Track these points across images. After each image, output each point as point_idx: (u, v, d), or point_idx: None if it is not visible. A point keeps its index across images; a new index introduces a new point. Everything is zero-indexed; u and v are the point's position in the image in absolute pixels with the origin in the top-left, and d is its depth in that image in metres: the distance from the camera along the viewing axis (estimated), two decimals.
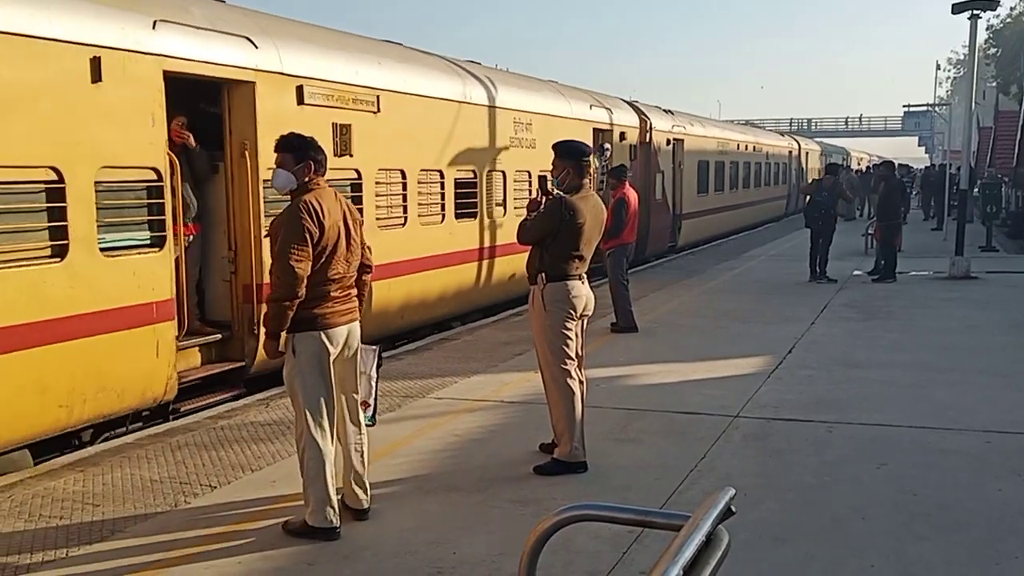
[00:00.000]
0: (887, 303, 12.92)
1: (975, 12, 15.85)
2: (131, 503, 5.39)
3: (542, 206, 5.92)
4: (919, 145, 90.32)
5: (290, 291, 4.63)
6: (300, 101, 8.57)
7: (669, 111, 20.82)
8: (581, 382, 5.99)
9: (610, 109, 16.76)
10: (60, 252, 6.31)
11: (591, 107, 15.76)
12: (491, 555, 4.59)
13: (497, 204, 12.44)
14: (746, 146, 27.24)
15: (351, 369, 5.07)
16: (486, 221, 12.18)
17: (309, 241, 4.66)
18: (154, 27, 7.04)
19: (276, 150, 4.94)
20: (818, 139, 52.49)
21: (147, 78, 6.96)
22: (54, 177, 6.27)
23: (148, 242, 7.10)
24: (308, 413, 4.79)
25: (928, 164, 49.10)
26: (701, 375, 8.49)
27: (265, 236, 7.58)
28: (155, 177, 7.11)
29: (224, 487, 5.66)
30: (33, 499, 5.46)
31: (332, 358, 4.86)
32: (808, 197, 16.41)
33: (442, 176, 11.14)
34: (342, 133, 9.18)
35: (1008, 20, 44.40)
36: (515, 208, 12.41)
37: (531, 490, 5.53)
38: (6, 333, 5.92)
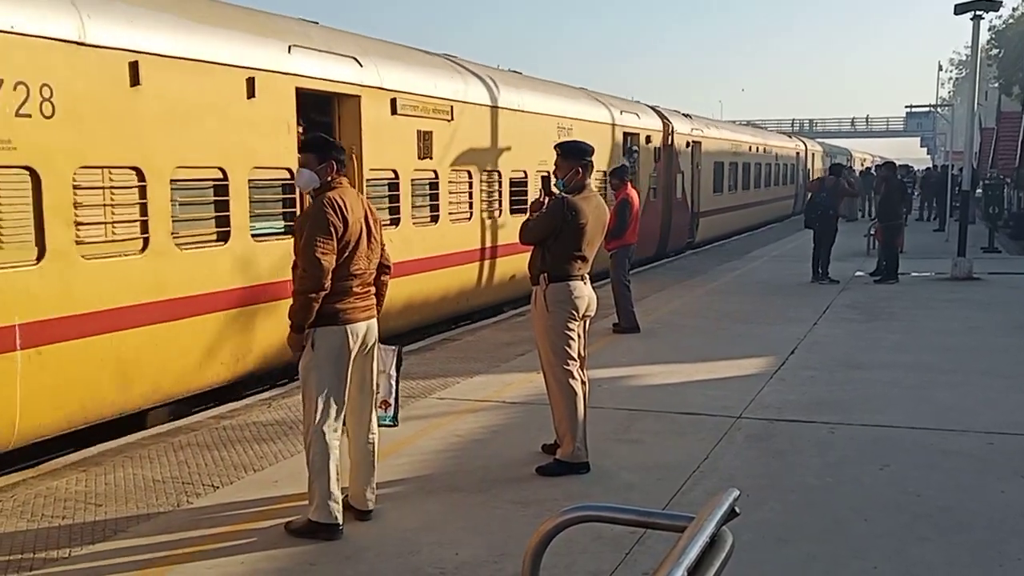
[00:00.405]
0: (889, 304, 12.92)
1: (978, 13, 15.84)
2: (134, 503, 5.40)
3: (544, 206, 5.93)
4: (921, 146, 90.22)
5: (316, 283, 4.69)
6: (393, 111, 9.97)
7: (688, 115, 21.97)
8: (583, 383, 5.99)
9: (637, 114, 17.92)
10: (224, 237, 7.72)
11: (621, 112, 17.01)
12: (493, 556, 4.59)
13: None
14: (757, 148, 28.43)
15: (367, 367, 5.08)
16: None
17: (334, 235, 4.75)
18: (289, 51, 8.51)
19: (300, 151, 5.08)
20: (819, 140, 52.49)
21: (285, 94, 8.42)
22: (220, 176, 7.69)
23: (282, 230, 8.31)
24: (319, 407, 4.82)
25: (929, 165, 49.08)
26: (703, 376, 8.49)
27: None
28: (288, 176, 8.27)
29: (227, 487, 5.67)
30: (36, 499, 5.47)
31: (352, 355, 4.90)
32: (809, 196, 16.43)
33: (500, 176, 12.53)
34: (424, 139, 10.56)
35: (1010, 21, 44.35)
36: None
37: (533, 491, 5.53)
38: (188, 302, 7.30)
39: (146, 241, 6.97)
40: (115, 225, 6.76)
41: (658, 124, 18.95)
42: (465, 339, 10.73)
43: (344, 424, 5.01)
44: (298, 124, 8.63)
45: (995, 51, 43.42)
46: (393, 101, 9.90)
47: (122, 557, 4.63)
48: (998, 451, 6.21)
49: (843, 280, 15.43)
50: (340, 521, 4.87)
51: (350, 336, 4.86)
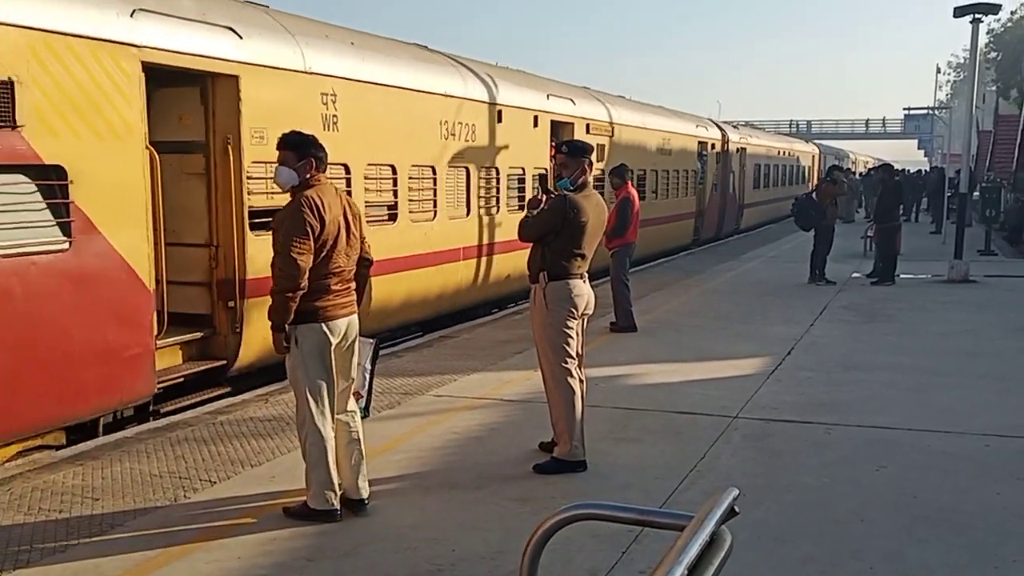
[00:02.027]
0: (886, 306, 12.94)
1: (977, 16, 15.85)
2: (131, 497, 5.39)
3: (543, 204, 5.93)
4: (919, 148, 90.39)
5: (292, 283, 4.73)
6: (587, 131, 15.07)
7: (735, 126, 28.44)
8: (581, 381, 6.00)
9: (706, 127, 23.60)
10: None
11: (696, 126, 22.72)
12: (490, 552, 4.59)
13: (657, 189, 19.51)
14: (785, 152, 34.67)
15: (348, 360, 5.17)
16: (653, 199, 19.14)
17: (311, 235, 4.77)
18: (548, 99, 14.02)
19: (278, 148, 5.01)
20: (816, 141, 52.77)
21: (546, 124, 13.72)
22: (521, 173, 12.97)
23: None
24: (310, 401, 4.91)
25: (918, 168, 49.26)
26: (700, 375, 8.50)
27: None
28: (545, 172, 12.27)
29: (224, 482, 5.66)
30: (32, 492, 5.46)
31: (332, 348, 4.97)
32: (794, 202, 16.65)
33: (638, 173, 17.55)
34: (597, 152, 14.05)
35: (1009, 24, 44.45)
36: (665, 194, 20.04)
37: (530, 488, 5.53)
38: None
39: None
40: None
41: (717, 134, 24.23)
42: (463, 336, 10.72)
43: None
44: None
45: (993, 54, 43.52)
46: (588, 127, 15.43)
47: (119, 551, 4.62)
48: (994, 453, 6.22)
49: (840, 281, 15.45)
50: (337, 506, 4.98)
51: (330, 333, 4.93)
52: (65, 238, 6.27)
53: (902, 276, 15.74)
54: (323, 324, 4.89)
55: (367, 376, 5.35)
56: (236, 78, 7.75)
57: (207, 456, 6.17)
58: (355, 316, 5.13)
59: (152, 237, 7.01)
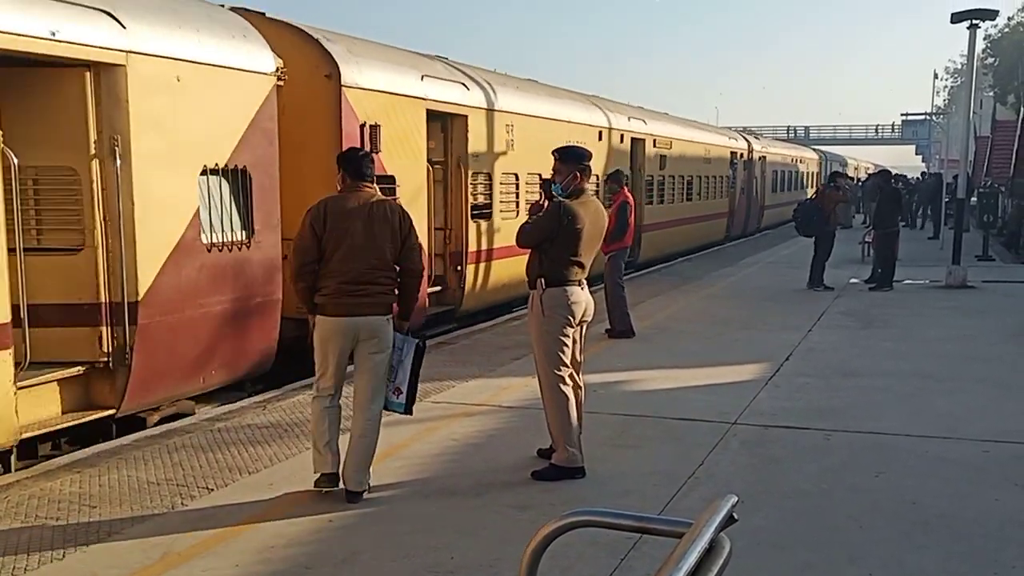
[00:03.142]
0: (884, 311, 12.94)
1: (974, 22, 15.89)
2: (128, 505, 5.37)
3: (544, 210, 5.92)
4: (916, 154, 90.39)
5: (293, 272, 5.49)
6: (654, 145, 19.00)
7: (757, 137, 32.57)
8: (579, 387, 5.99)
9: (736, 139, 27.59)
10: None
11: (729, 138, 27.01)
12: (489, 560, 4.58)
13: (700, 192, 23.24)
14: (796, 159, 37.93)
15: (371, 360, 5.46)
16: (697, 200, 22.95)
17: (311, 235, 5.32)
18: (629, 120, 17.65)
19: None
20: (815, 147, 52.90)
21: (628, 140, 17.50)
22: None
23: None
24: (316, 377, 5.54)
25: (908, 174, 49.41)
26: (699, 381, 8.49)
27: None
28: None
29: (221, 489, 5.65)
30: (29, 500, 5.45)
31: (342, 345, 5.40)
32: (795, 208, 16.59)
33: (687, 178, 21.84)
34: (660, 162, 19.45)
35: (1006, 30, 44.52)
36: (706, 196, 23.74)
37: (529, 495, 5.52)
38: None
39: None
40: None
41: (744, 145, 27.93)
42: (461, 343, 10.72)
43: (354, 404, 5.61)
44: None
45: (991, 60, 43.58)
46: (671, 144, 20.36)
47: (116, 559, 4.61)
48: (993, 459, 6.22)
49: (838, 287, 15.46)
50: (335, 470, 5.48)
51: (335, 327, 5.35)
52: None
53: (900, 282, 15.75)
54: (329, 318, 5.37)
55: (407, 373, 5.54)
56: (466, 117, 11.74)
57: (204, 463, 6.16)
58: (375, 318, 5.40)
59: (431, 220, 11.08)
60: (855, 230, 27.03)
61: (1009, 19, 44.92)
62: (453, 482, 5.76)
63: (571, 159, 5.95)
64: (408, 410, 5.61)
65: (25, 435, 6.25)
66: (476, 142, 11.87)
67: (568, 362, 5.88)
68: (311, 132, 9.16)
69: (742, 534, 4.49)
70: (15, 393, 6.01)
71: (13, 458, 6.27)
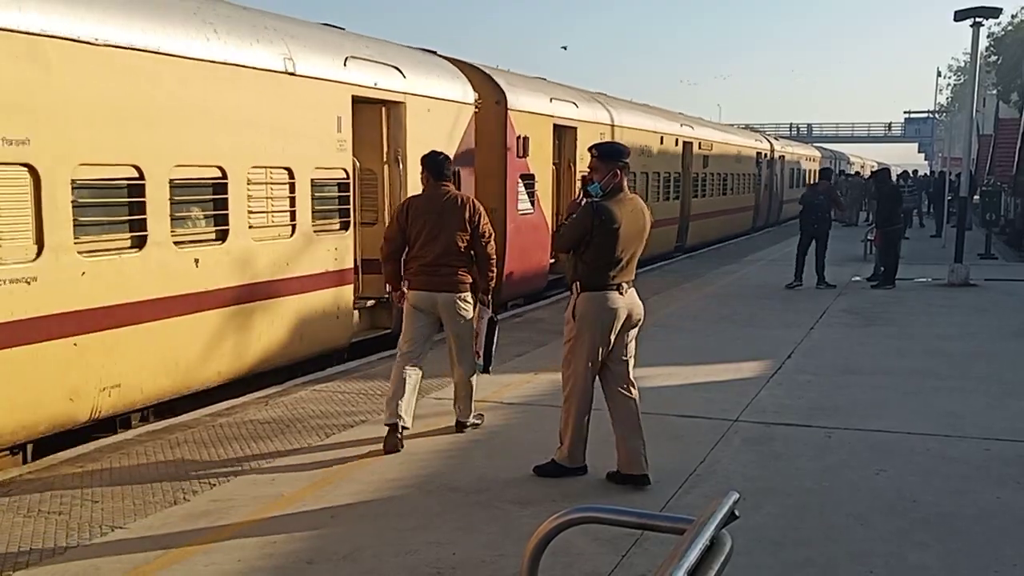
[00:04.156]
0: (886, 309, 12.94)
1: (977, 20, 15.86)
2: (130, 499, 5.39)
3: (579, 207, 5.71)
4: (919, 151, 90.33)
5: (382, 255, 6.69)
6: (698, 147, 22.17)
7: (778, 138, 36.11)
8: (628, 395, 5.85)
9: (760, 140, 31.08)
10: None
11: (756, 140, 30.42)
12: (491, 555, 4.59)
13: (734, 188, 26.56)
14: (809, 158, 40.61)
15: (449, 327, 6.60)
16: (731, 195, 26.17)
17: (395, 225, 6.56)
18: (680, 126, 20.98)
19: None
20: (818, 145, 52.89)
21: (680, 144, 20.74)
22: (678, 174, 20.64)
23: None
24: (400, 341, 6.64)
25: (904, 171, 49.42)
26: (700, 379, 8.50)
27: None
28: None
29: (223, 484, 5.66)
30: (32, 493, 5.46)
31: (421, 313, 6.52)
32: (802, 206, 16.26)
33: (723, 176, 25.19)
34: (703, 162, 22.47)
35: (1009, 28, 44.47)
36: (738, 191, 27.04)
37: (531, 491, 5.53)
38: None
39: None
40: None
41: (767, 145, 31.24)
42: None
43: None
44: None
45: (994, 58, 43.55)
46: (711, 147, 23.83)
47: (118, 553, 4.62)
48: (995, 457, 6.22)
49: (840, 285, 15.45)
50: (394, 422, 6.31)
51: (416, 300, 6.50)
52: (530, 208, 13.49)
53: (902, 280, 15.74)
54: (411, 291, 6.54)
55: (482, 338, 6.69)
56: (575, 128, 14.78)
57: (206, 458, 6.17)
58: (447, 294, 6.44)
59: (555, 208, 14.16)
60: (858, 228, 26.99)
61: (1013, 17, 44.90)
62: (455, 478, 5.77)
63: (610, 156, 5.65)
64: (486, 369, 6.79)
65: (354, 340, 9.69)
66: (582, 147, 13.84)
67: (587, 365, 5.69)
68: (486, 142, 12.23)
69: (743, 531, 4.50)
70: (352, 312, 9.52)
71: (29, 449, 6.44)
